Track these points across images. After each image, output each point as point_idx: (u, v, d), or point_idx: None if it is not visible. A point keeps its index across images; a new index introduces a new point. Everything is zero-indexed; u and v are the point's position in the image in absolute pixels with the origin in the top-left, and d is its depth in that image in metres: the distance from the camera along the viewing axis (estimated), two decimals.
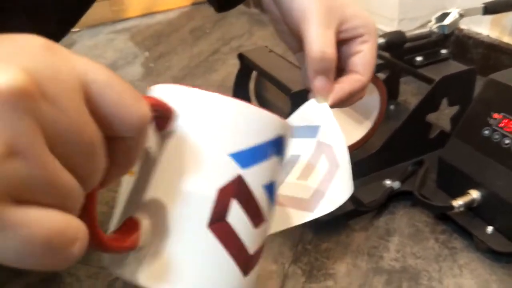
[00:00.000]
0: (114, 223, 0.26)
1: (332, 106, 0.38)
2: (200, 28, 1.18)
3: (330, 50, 0.36)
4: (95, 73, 0.18)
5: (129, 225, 0.23)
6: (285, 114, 0.38)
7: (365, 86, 0.40)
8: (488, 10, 0.64)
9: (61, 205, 0.17)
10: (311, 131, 0.38)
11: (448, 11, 0.60)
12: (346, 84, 0.38)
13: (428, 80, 0.56)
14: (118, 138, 0.19)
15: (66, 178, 0.17)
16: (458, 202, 0.47)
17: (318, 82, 0.37)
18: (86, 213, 0.19)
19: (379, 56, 0.59)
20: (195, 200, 0.24)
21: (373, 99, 0.55)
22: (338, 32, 0.38)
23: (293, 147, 0.32)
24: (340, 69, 0.40)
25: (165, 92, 0.25)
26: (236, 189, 0.24)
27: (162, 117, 0.24)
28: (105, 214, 0.48)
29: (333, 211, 0.34)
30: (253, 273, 0.26)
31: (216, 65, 0.96)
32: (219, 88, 0.85)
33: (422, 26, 0.62)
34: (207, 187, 0.24)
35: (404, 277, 0.45)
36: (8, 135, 0.15)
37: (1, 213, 0.15)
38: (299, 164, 0.37)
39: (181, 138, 0.24)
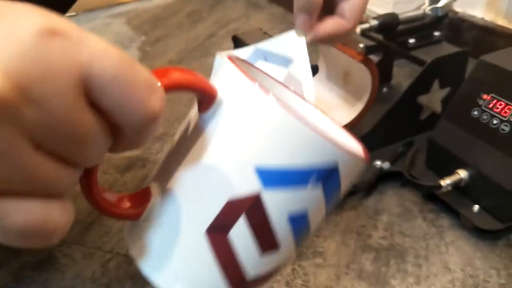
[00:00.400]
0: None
1: (310, 42, 0.41)
2: (197, 12, 1.18)
3: None
4: (102, 64, 0.16)
5: (142, 195, 0.23)
6: None
7: (348, 32, 0.41)
8: None
9: (47, 193, 0.17)
10: (284, 61, 0.40)
11: None
12: (328, 26, 0.41)
13: (420, 62, 0.57)
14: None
15: (51, 172, 0.16)
16: (446, 182, 0.48)
17: (300, 18, 0.40)
18: (86, 181, 0.20)
19: (372, 38, 0.59)
20: (203, 201, 0.22)
21: (365, 81, 0.56)
22: None
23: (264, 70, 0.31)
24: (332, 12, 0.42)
25: (227, 72, 0.23)
26: (249, 207, 0.22)
27: (203, 99, 0.22)
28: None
29: None
30: None
31: (212, 48, 0.96)
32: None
33: (417, 8, 0.62)
34: (218, 193, 0.22)
35: (392, 254, 0.46)
36: None
37: None
38: None
39: (212, 129, 0.22)
